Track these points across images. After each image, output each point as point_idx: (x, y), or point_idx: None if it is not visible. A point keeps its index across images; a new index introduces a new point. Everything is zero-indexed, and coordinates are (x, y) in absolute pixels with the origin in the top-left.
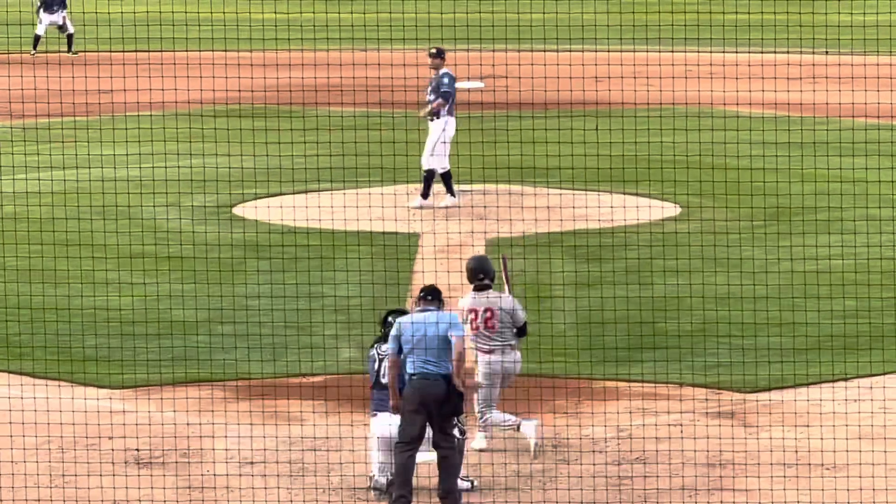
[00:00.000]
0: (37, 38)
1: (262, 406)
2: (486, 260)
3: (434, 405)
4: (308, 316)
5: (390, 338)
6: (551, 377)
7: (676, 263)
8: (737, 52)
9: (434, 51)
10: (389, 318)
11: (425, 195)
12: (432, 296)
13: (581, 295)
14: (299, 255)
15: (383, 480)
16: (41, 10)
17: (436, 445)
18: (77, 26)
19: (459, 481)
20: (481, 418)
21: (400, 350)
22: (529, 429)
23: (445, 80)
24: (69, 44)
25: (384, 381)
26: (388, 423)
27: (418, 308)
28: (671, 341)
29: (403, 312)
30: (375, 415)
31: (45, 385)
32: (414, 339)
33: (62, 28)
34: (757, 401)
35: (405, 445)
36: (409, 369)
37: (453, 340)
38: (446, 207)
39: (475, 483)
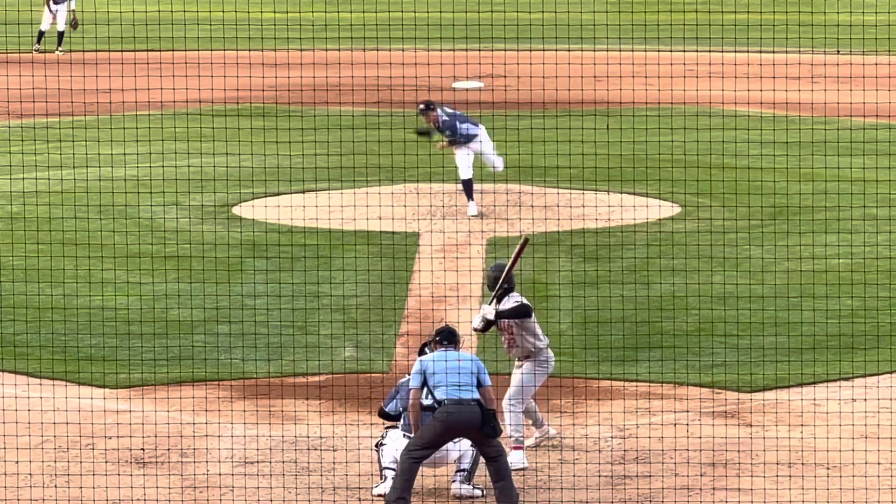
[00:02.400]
0: (40, 34)
1: (262, 406)
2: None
3: (471, 432)
4: (308, 316)
5: (413, 374)
6: (551, 377)
7: (676, 263)
8: (736, 52)
9: (422, 107)
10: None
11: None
12: (449, 340)
13: (581, 295)
14: (299, 254)
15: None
16: (51, 2)
17: (486, 456)
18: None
19: (471, 488)
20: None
21: (423, 385)
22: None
23: (445, 119)
24: (59, 40)
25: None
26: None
27: (438, 351)
28: (671, 341)
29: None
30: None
31: (45, 384)
32: (440, 373)
33: (73, 25)
34: (756, 401)
35: (415, 453)
36: (440, 396)
37: (485, 387)
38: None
39: (483, 491)
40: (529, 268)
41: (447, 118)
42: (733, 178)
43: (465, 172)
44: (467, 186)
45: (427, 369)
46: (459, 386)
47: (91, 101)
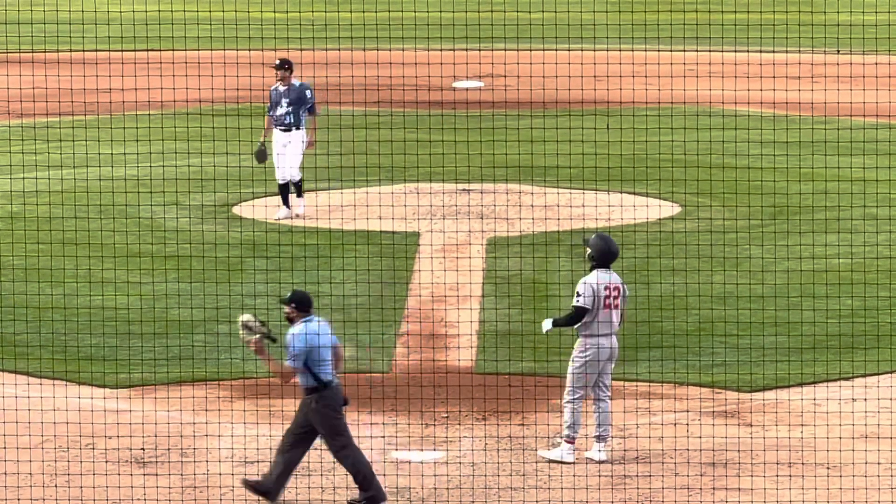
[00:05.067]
0: None
1: (262, 406)
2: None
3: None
4: None
5: (299, 352)
6: (552, 377)
7: (676, 263)
8: (736, 52)
9: (278, 62)
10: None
11: (288, 204)
12: (311, 304)
13: None
14: (299, 254)
15: None
16: None
17: (334, 448)
18: (77, 25)
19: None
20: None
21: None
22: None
23: (308, 94)
24: None
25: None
26: None
27: (305, 319)
28: (671, 341)
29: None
30: None
31: (45, 384)
32: (323, 350)
33: None
34: (756, 400)
35: (344, 447)
36: (326, 377)
37: (339, 349)
38: (279, 219)
39: None
40: (530, 267)
41: (312, 95)
42: (733, 178)
43: (297, 172)
44: (297, 188)
45: (312, 349)
46: (330, 369)
47: (91, 101)
